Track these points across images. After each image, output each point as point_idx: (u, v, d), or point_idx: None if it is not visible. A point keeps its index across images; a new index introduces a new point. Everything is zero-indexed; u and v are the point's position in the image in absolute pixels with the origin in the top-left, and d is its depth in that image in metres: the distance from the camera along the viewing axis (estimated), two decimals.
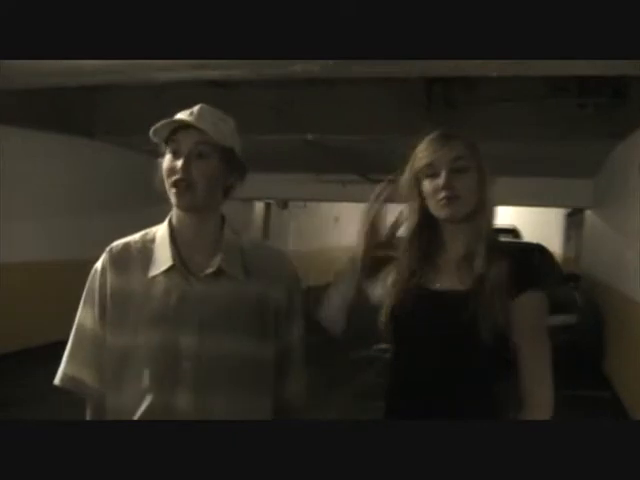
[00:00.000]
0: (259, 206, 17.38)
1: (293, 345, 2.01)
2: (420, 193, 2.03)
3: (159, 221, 1.97)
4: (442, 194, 1.96)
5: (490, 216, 2.04)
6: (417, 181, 2.03)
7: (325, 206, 19.35)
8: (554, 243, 17.90)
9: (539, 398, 1.93)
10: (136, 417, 1.82)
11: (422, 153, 2.01)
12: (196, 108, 1.91)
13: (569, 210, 18.39)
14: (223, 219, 1.99)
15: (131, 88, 5.73)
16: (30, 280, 8.58)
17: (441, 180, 1.96)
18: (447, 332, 1.95)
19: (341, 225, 21.51)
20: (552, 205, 16.26)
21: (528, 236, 17.34)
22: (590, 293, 10.24)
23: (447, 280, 2.01)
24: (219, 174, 1.90)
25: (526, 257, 2.08)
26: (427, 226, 2.05)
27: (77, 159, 9.44)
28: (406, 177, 2.05)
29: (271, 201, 17.39)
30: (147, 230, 1.99)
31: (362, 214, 2.20)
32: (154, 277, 1.87)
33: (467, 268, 1.98)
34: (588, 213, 13.50)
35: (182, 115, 1.90)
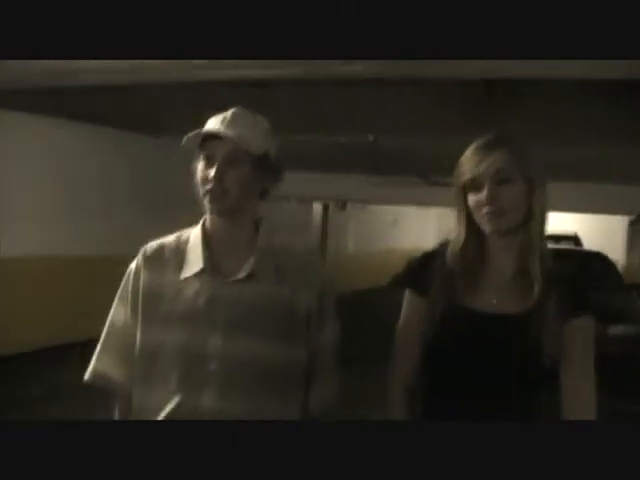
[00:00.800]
0: (317, 207, 17.41)
1: (324, 349, 1.96)
2: (466, 205, 1.93)
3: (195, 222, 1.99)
4: (485, 209, 1.86)
5: (542, 227, 1.92)
6: (463, 193, 1.93)
7: (384, 208, 19.28)
8: (617, 251, 17.57)
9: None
10: (161, 417, 1.83)
11: (464, 166, 1.91)
12: (229, 113, 1.90)
13: (633, 217, 18.07)
14: (258, 222, 1.98)
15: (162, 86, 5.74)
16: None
17: (484, 194, 1.86)
18: (501, 358, 1.85)
19: (400, 227, 21.44)
20: (616, 212, 15.98)
21: (589, 243, 17.04)
22: None
23: (499, 300, 1.90)
24: (253, 180, 1.89)
25: (582, 280, 1.96)
26: (475, 239, 1.95)
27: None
28: (453, 188, 1.96)
29: (330, 202, 17.41)
30: (181, 232, 2.01)
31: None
32: (185, 279, 1.89)
33: (521, 287, 1.89)
34: None
35: (214, 121, 1.89)
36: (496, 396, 1.85)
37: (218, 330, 1.84)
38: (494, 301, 1.90)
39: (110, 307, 1.98)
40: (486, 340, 1.86)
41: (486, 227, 1.89)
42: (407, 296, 2.03)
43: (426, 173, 12.00)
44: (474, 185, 1.88)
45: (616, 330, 7.48)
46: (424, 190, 13.38)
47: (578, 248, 13.86)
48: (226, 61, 3.79)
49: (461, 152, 1.96)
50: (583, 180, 10.82)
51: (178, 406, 1.83)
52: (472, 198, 1.90)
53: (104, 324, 1.97)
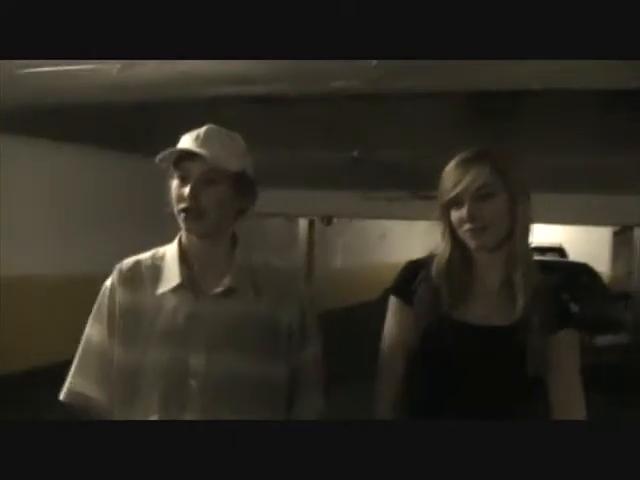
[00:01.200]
0: (303, 223, 17.38)
1: (306, 368, 1.95)
2: (450, 221, 1.93)
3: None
4: (467, 226, 1.86)
5: (526, 240, 1.91)
6: (446, 208, 1.93)
7: (371, 223, 19.27)
8: (602, 262, 17.64)
9: None
10: None
11: (445, 183, 1.91)
12: (202, 130, 1.87)
13: (617, 228, 18.14)
14: (235, 239, 1.96)
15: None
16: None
17: (464, 211, 1.86)
18: (485, 371, 1.85)
19: (387, 242, 21.41)
20: (601, 223, 16.01)
21: (574, 255, 17.11)
22: None
23: (485, 313, 1.90)
24: (229, 199, 1.87)
25: (566, 289, 1.98)
26: (460, 254, 1.94)
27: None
28: (438, 202, 1.96)
29: (315, 218, 17.39)
30: (157, 249, 1.98)
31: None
32: (163, 295, 1.86)
33: (507, 300, 1.88)
34: (638, 231, 13.28)
35: (188, 139, 1.86)
36: (481, 408, 1.84)
37: (199, 346, 1.81)
38: (480, 313, 1.90)
39: None
40: (471, 352, 1.86)
41: (470, 243, 1.89)
42: (392, 304, 2.02)
43: (413, 187, 11.99)
44: (455, 201, 1.88)
45: (603, 340, 7.52)
46: (411, 204, 13.36)
47: (564, 260, 13.91)
48: (210, 76, 3.78)
49: (447, 165, 1.95)
50: (568, 192, 10.84)
51: None
52: (454, 214, 1.90)
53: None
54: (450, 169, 1.91)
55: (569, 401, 1.88)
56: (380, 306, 2.11)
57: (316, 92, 4.65)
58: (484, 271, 1.94)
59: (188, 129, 1.90)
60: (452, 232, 1.93)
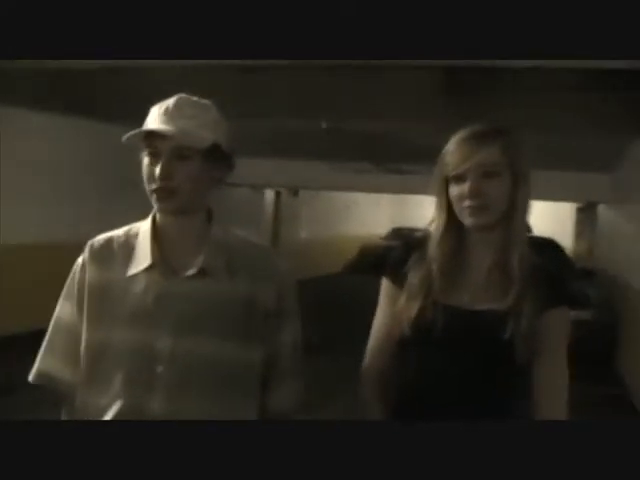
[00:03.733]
0: (270, 194, 17.32)
1: (283, 351, 1.86)
2: (447, 196, 1.85)
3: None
4: (467, 202, 1.79)
5: (523, 222, 1.86)
6: (445, 183, 1.85)
7: (337, 194, 19.24)
8: (565, 237, 17.79)
9: (552, 413, 1.82)
10: (105, 419, 1.73)
11: (450, 156, 1.82)
12: (172, 102, 1.76)
13: (580, 205, 18.30)
14: (210, 214, 1.87)
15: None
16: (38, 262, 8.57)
17: (467, 187, 1.79)
18: (479, 354, 1.80)
19: (353, 213, 21.44)
20: (567, 199, 16.16)
21: (538, 230, 17.22)
22: (605, 289, 10.15)
23: (477, 296, 1.84)
24: (203, 173, 1.76)
25: (558, 271, 1.91)
26: (454, 232, 1.87)
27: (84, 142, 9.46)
28: (435, 175, 1.88)
29: (281, 189, 17.34)
30: (132, 225, 1.89)
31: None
32: (133, 275, 1.77)
33: (499, 283, 1.83)
34: (601, 208, 13.40)
35: (156, 112, 1.75)
36: (472, 392, 1.81)
37: (166, 330, 1.73)
38: (471, 297, 1.85)
39: None
40: (462, 336, 1.81)
41: (466, 221, 1.83)
42: (384, 287, 1.98)
43: (378, 160, 11.97)
44: (458, 177, 1.81)
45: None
46: (377, 177, 13.37)
47: (530, 235, 14.04)
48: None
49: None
50: (533, 168, 10.91)
51: (121, 409, 1.72)
52: (454, 189, 1.83)
53: None
54: (459, 142, 1.83)
55: (554, 376, 1.84)
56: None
57: (286, 62, 4.60)
58: (477, 252, 1.88)
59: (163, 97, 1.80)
60: (448, 208, 1.86)
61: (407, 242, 2.02)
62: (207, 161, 1.76)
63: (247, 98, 6.38)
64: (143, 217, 1.88)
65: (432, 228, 1.91)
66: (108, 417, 1.72)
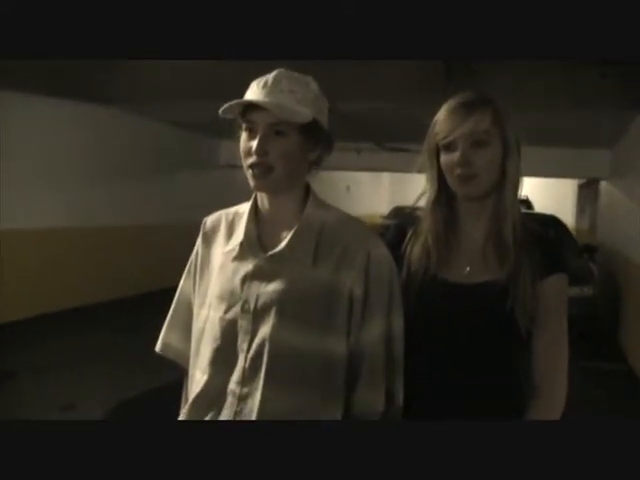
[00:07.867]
0: None
1: (370, 345, 1.70)
2: (438, 165, 1.84)
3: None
4: (457, 171, 1.78)
5: (514, 192, 1.83)
6: (436, 152, 1.84)
7: (337, 174, 19.20)
8: (567, 214, 17.79)
9: (553, 384, 1.81)
10: (194, 396, 1.76)
11: (441, 125, 1.81)
12: (271, 76, 1.71)
13: (582, 181, 18.26)
14: (308, 193, 1.79)
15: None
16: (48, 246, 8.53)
17: (457, 155, 1.78)
18: (480, 327, 1.80)
19: (353, 194, 21.42)
20: (568, 176, 16.14)
21: (540, 207, 17.20)
22: (607, 265, 10.15)
23: (472, 269, 1.84)
24: (300, 151, 1.70)
25: (553, 238, 1.91)
26: (446, 202, 1.87)
27: (95, 127, 9.42)
28: (425, 146, 1.86)
29: None
30: (243, 204, 1.86)
31: None
32: (227, 253, 1.78)
33: (494, 254, 1.82)
34: (603, 184, 13.37)
35: (255, 86, 1.71)
36: (473, 365, 1.81)
37: (247, 310, 1.70)
38: (467, 269, 1.85)
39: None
40: (460, 309, 1.81)
41: (457, 190, 1.83)
42: None
43: (379, 139, 11.95)
44: (448, 145, 1.80)
45: (572, 292, 7.58)
46: (377, 156, 13.34)
47: (532, 211, 13.96)
48: None
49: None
50: (533, 144, 10.87)
51: (205, 385, 1.73)
52: (445, 158, 1.82)
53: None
54: (449, 110, 1.82)
55: (553, 343, 1.82)
56: None
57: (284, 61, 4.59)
58: (470, 223, 1.88)
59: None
60: (439, 178, 1.86)
61: (399, 223, 2.02)
62: (304, 137, 1.70)
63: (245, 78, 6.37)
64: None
65: (425, 197, 1.91)
66: (197, 391, 1.75)
